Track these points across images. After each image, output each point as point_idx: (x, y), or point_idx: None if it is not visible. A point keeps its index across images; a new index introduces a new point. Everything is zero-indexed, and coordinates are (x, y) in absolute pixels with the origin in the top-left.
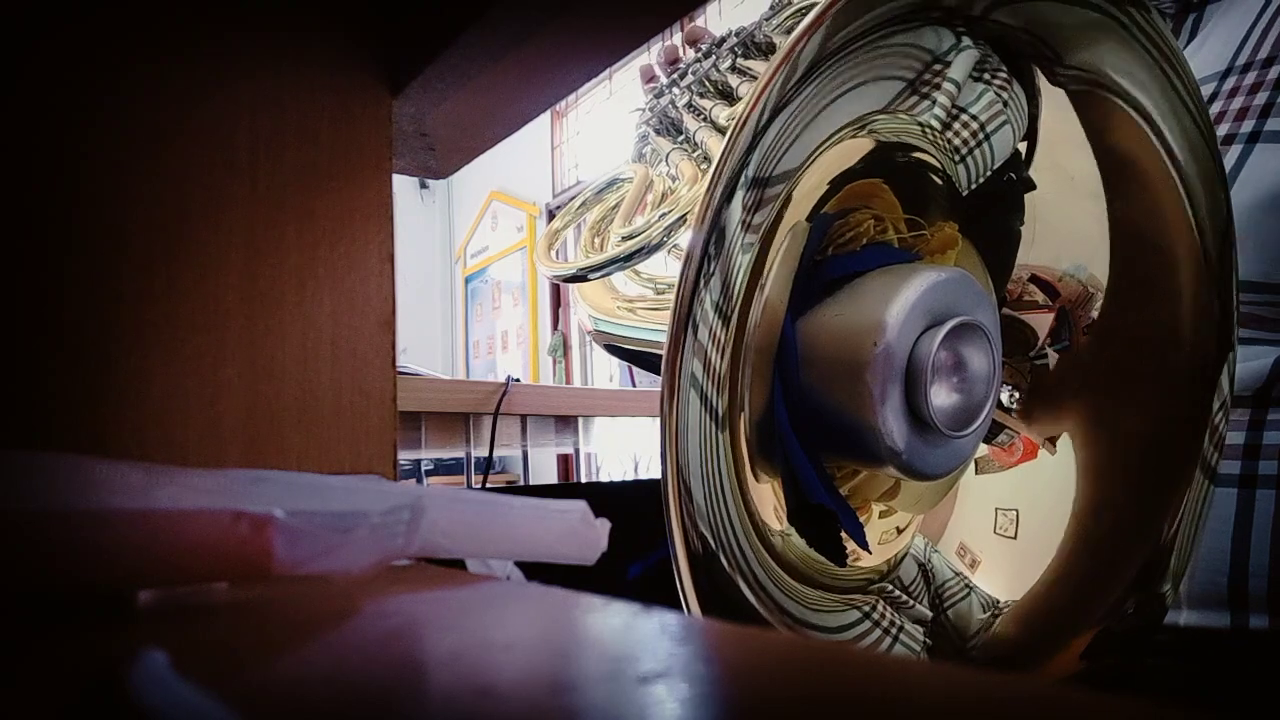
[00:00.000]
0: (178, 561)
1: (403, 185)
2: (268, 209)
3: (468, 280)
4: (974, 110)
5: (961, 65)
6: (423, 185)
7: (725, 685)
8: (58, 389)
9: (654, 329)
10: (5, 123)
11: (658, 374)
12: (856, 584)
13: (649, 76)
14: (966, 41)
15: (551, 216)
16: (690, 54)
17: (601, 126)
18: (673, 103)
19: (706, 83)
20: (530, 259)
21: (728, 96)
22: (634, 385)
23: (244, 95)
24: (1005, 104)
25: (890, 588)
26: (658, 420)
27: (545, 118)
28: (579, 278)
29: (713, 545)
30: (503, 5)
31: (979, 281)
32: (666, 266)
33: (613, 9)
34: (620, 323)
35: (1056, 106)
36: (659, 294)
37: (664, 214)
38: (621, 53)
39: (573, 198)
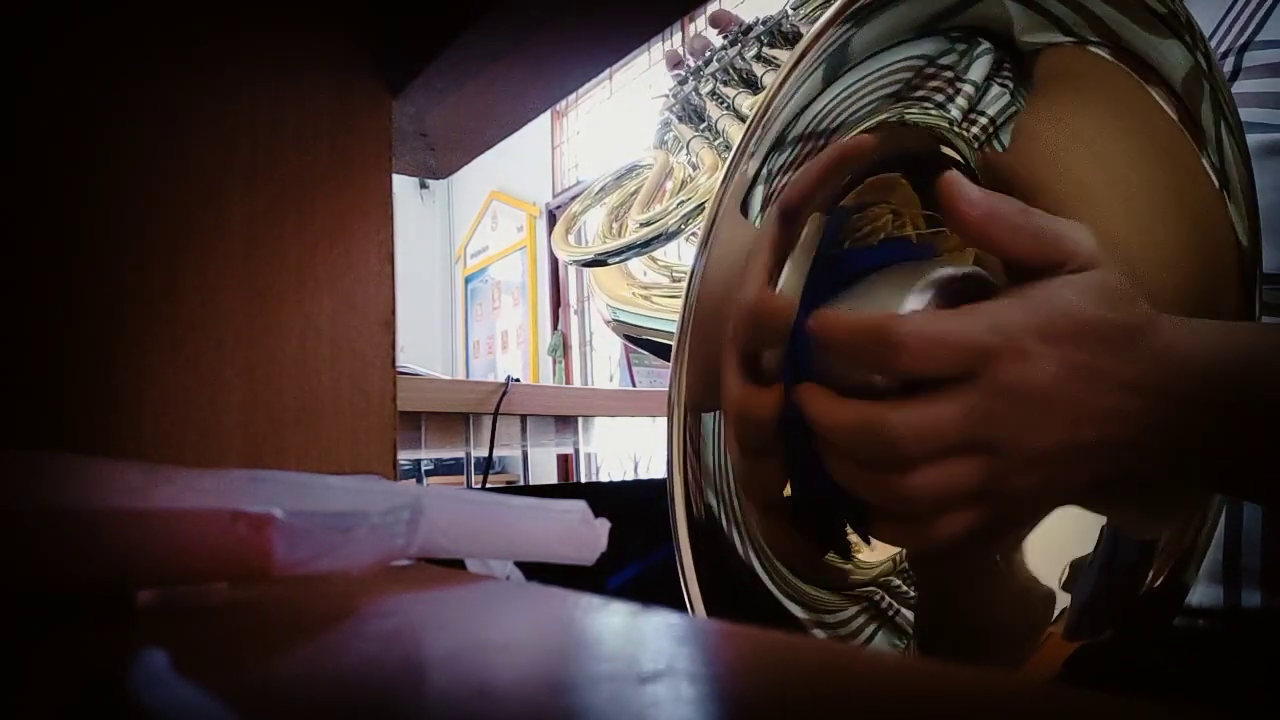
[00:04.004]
0: (177, 561)
1: (403, 185)
2: (267, 209)
3: (468, 280)
4: (984, 106)
5: (980, 67)
6: (423, 185)
7: (725, 685)
8: (58, 389)
9: (670, 318)
10: (8, 126)
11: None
12: (860, 580)
13: (675, 61)
14: (985, 45)
15: (552, 216)
16: (716, 40)
17: (601, 126)
18: (696, 89)
19: (731, 70)
20: (530, 258)
21: (751, 85)
22: (634, 385)
23: (243, 96)
24: (1014, 97)
25: (895, 581)
26: (658, 420)
27: (545, 118)
28: (596, 262)
29: (715, 510)
30: (503, 5)
31: (997, 280)
32: (680, 255)
33: (613, 9)
34: (638, 311)
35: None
36: (675, 281)
37: (682, 201)
38: (621, 53)
39: (573, 198)
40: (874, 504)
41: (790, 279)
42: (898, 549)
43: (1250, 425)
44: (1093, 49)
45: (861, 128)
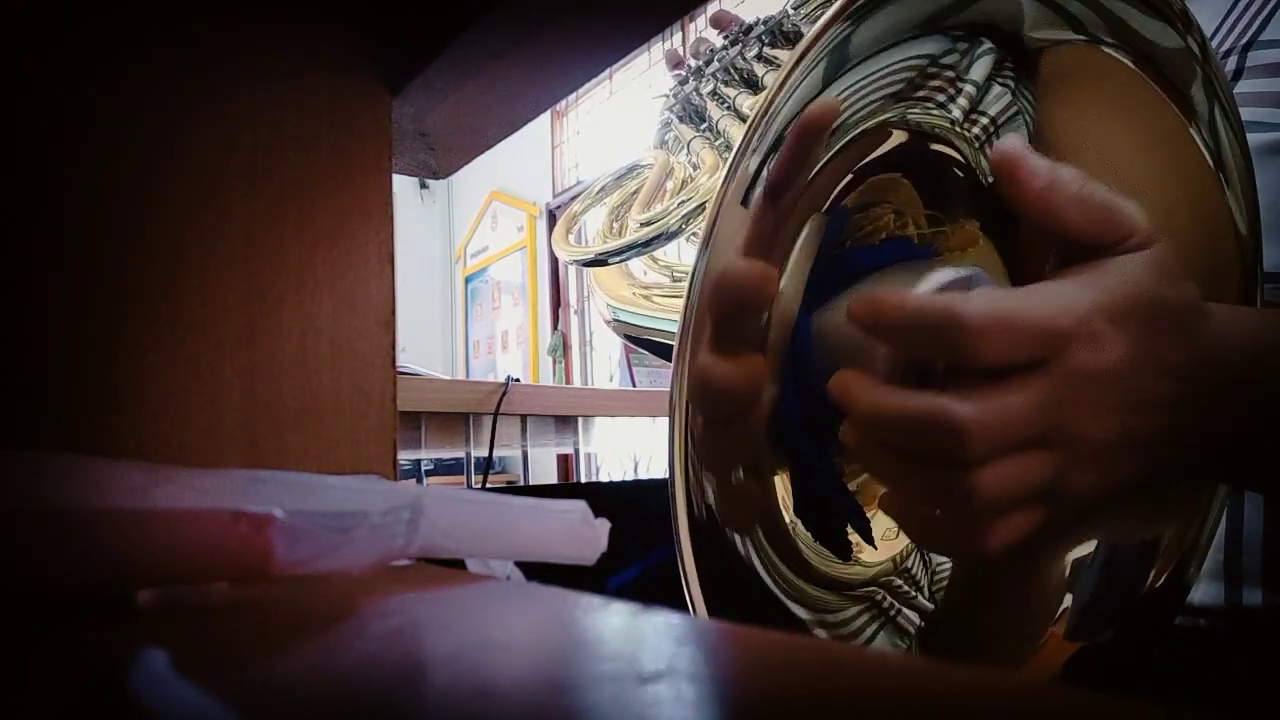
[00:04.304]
0: (178, 561)
1: (403, 185)
2: (267, 209)
3: (468, 280)
4: (986, 106)
5: (981, 67)
6: (423, 185)
7: (725, 685)
8: (58, 388)
9: (670, 318)
10: (8, 126)
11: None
12: (861, 579)
13: (675, 61)
14: (986, 44)
15: (552, 216)
16: (717, 40)
17: (601, 126)
18: (697, 90)
19: (731, 71)
20: (530, 258)
21: (752, 85)
22: (634, 385)
23: (243, 96)
24: (1015, 96)
25: (896, 580)
26: (658, 420)
27: (545, 118)
28: (597, 262)
29: (716, 511)
30: (503, 5)
31: (997, 281)
32: (680, 255)
33: (613, 9)
34: (638, 311)
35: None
36: (675, 281)
37: (683, 201)
38: (621, 53)
39: (573, 198)
40: (928, 505)
41: (791, 279)
42: (898, 550)
43: None
44: (1099, 47)
45: (862, 128)
